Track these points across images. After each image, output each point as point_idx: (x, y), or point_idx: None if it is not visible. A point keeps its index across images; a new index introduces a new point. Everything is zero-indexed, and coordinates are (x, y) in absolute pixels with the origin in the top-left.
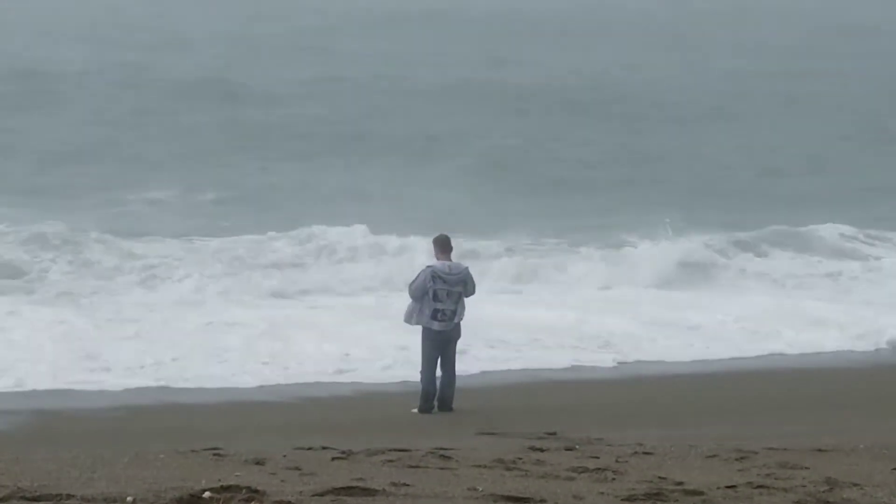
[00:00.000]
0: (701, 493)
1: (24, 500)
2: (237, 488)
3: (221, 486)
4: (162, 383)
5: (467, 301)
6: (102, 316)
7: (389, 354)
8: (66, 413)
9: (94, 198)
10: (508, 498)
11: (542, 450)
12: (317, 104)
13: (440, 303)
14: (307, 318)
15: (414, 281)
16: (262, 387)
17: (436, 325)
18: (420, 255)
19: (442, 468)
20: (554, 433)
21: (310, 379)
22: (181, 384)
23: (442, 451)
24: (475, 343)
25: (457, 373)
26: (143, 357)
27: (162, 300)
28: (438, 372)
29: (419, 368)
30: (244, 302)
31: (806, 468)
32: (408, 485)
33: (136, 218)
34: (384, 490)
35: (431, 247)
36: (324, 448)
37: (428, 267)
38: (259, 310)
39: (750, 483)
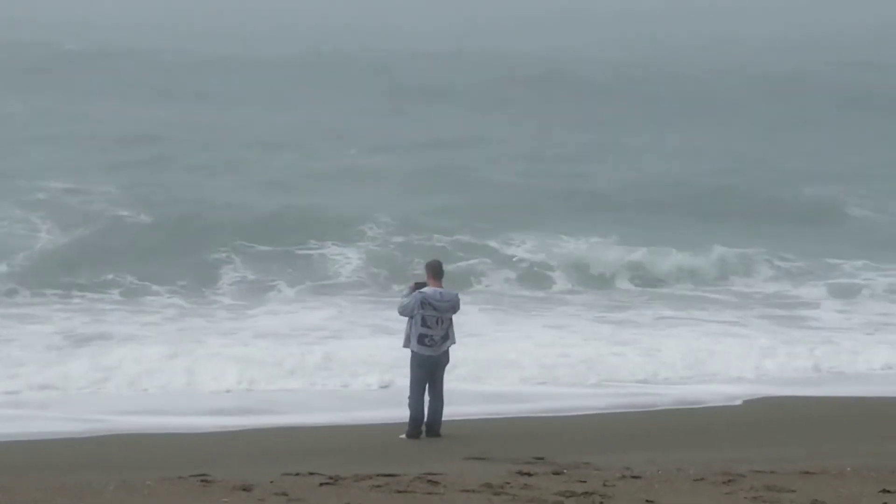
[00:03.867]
0: None
1: None
2: None
3: None
4: None
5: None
6: None
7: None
8: (52, 441)
9: None
10: None
11: (529, 474)
12: None
13: (428, 328)
14: None
15: (404, 301)
16: (248, 411)
17: (424, 351)
18: None
19: (430, 493)
20: (542, 458)
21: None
22: None
23: (430, 477)
24: None
25: None
26: None
27: None
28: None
29: (407, 394)
30: None
31: (793, 491)
32: None
33: None
34: None
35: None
36: (311, 474)
37: (418, 293)
38: None
39: None
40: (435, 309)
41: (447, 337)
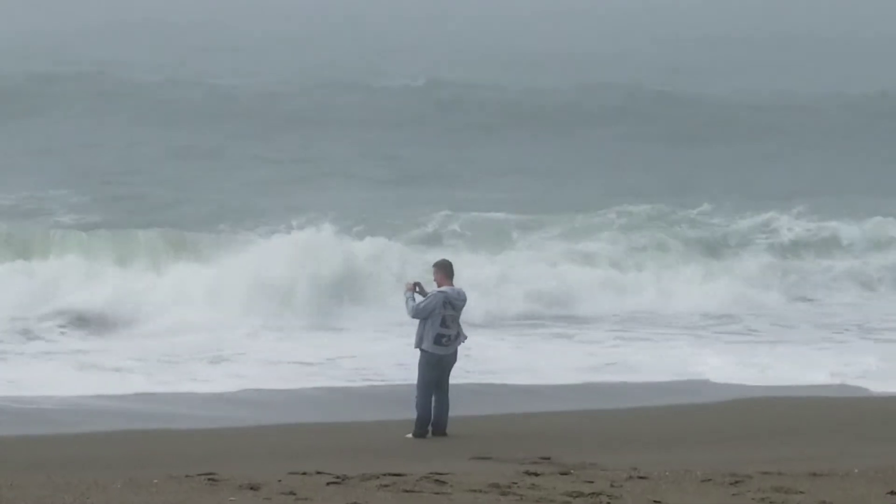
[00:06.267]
0: None
1: None
2: None
3: None
4: None
5: None
6: None
7: None
8: (59, 437)
9: None
10: None
11: (536, 474)
12: None
13: (447, 328)
14: None
15: (421, 304)
16: (257, 410)
17: (440, 351)
18: None
19: (437, 493)
20: (548, 458)
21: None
22: None
23: (437, 476)
24: None
25: None
26: None
27: None
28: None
29: (414, 394)
30: None
31: (801, 492)
32: None
33: None
34: None
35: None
36: (318, 473)
37: (440, 292)
38: None
39: None
40: (454, 308)
41: (458, 335)
